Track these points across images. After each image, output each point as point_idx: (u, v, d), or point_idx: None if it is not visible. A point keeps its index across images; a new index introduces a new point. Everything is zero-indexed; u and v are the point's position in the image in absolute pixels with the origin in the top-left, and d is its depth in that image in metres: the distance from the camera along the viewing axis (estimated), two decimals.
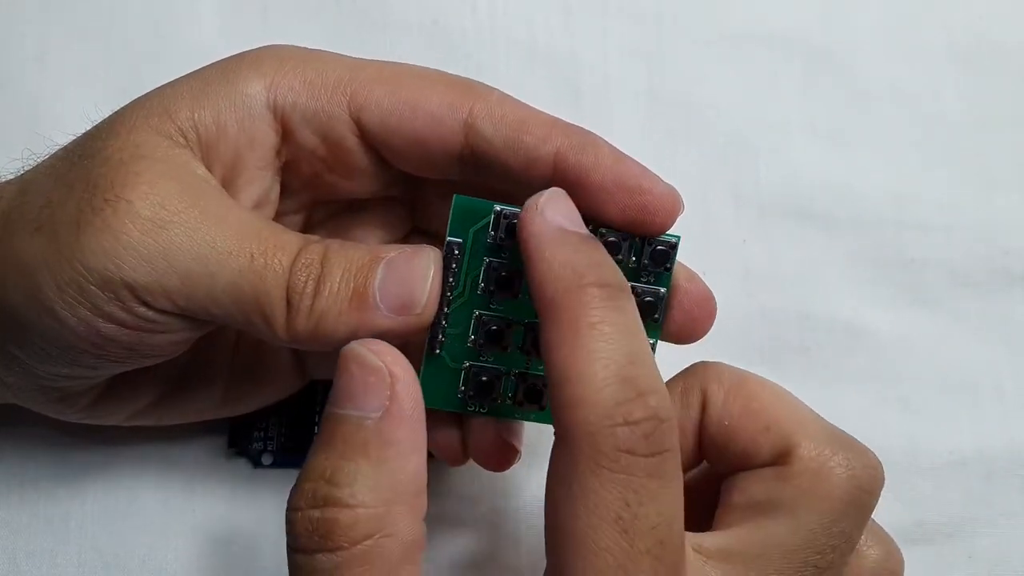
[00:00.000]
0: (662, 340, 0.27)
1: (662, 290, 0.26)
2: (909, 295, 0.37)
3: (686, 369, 0.26)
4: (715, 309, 0.27)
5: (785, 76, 0.39)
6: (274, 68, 0.26)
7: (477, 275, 0.25)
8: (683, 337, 0.27)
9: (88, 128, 0.26)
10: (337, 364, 0.22)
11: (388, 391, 0.22)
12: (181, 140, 0.25)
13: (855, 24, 0.39)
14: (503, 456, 0.28)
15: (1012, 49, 0.40)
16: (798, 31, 0.39)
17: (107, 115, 0.26)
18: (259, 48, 0.27)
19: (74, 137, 0.26)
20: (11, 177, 0.26)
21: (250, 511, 0.33)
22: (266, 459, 0.33)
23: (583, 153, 0.25)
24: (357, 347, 0.22)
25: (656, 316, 0.26)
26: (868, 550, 0.25)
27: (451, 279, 0.25)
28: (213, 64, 0.26)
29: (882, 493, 0.35)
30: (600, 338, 0.21)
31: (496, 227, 0.25)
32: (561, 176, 0.25)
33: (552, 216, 0.23)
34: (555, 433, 0.21)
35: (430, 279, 0.24)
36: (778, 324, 0.36)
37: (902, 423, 0.36)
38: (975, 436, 0.36)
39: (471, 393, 0.26)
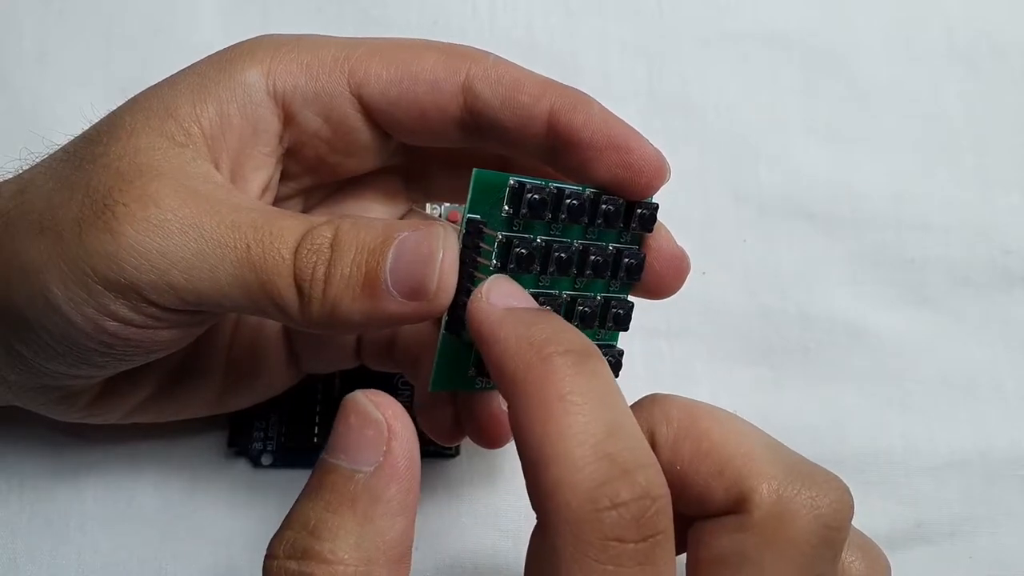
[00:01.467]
0: (633, 295, 0.27)
1: (641, 252, 0.26)
2: (909, 295, 0.37)
3: (632, 406, 0.24)
4: (685, 267, 0.27)
5: (785, 76, 0.39)
6: (270, 55, 0.26)
7: (490, 251, 0.24)
8: (653, 293, 0.27)
9: (87, 128, 0.26)
10: (338, 411, 0.21)
11: (384, 446, 0.21)
12: (182, 138, 0.25)
13: (855, 24, 0.40)
14: (503, 430, 0.28)
15: (1012, 49, 0.40)
16: (798, 31, 0.39)
17: (104, 115, 0.26)
18: (251, 38, 0.27)
19: (72, 137, 0.26)
20: (9, 176, 0.26)
21: (250, 511, 0.33)
22: (266, 459, 0.33)
23: (574, 112, 0.25)
24: (359, 396, 0.21)
25: (638, 276, 0.26)
26: (849, 565, 0.24)
27: (475, 258, 0.24)
28: (207, 58, 0.26)
29: (882, 493, 0.35)
30: (572, 411, 0.20)
31: (512, 201, 0.24)
32: (554, 134, 0.25)
33: (497, 299, 0.22)
34: (537, 518, 0.20)
35: (439, 263, 0.23)
36: (778, 324, 0.36)
37: (902, 423, 0.36)
38: (975, 436, 0.36)
39: (482, 371, 0.25)
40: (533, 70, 0.36)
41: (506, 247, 0.24)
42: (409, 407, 0.33)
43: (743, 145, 0.38)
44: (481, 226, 0.24)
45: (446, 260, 0.23)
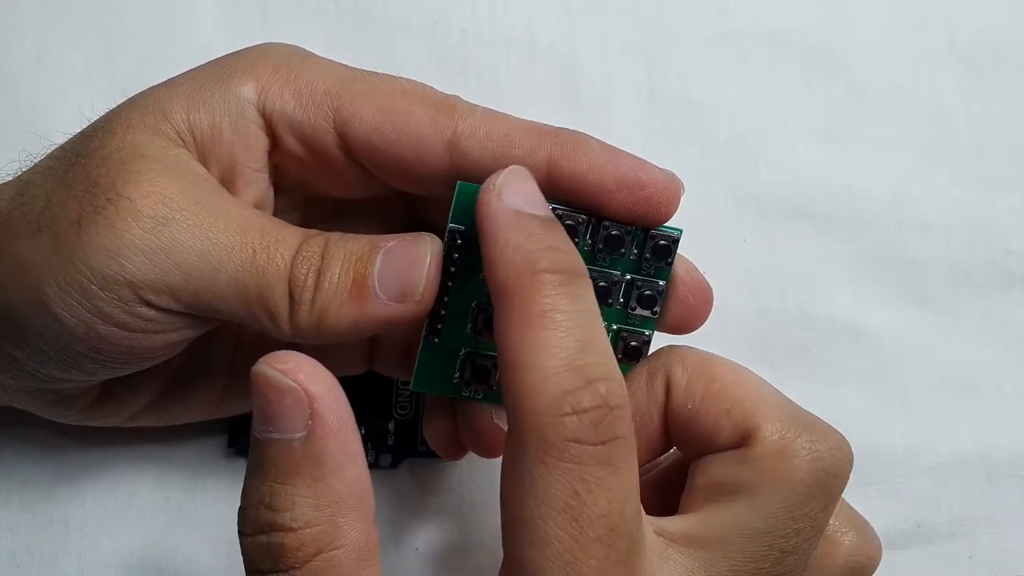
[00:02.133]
0: (660, 331, 0.27)
1: (661, 283, 0.26)
2: (909, 295, 0.37)
3: (652, 353, 0.26)
4: (711, 299, 0.27)
5: (785, 76, 0.39)
6: (267, 72, 0.26)
7: (477, 261, 0.25)
8: (680, 327, 0.27)
9: (84, 127, 0.26)
10: (251, 387, 0.21)
11: (307, 410, 0.21)
12: (178, 141, 0.25)
13: (855, 24, 0.39)
14: (497, 441, 0.28)
15: (1012, 49, 0.40)
16: (798, 31, 0.39)
17: (100, 114, 0.26)
18: (255, 47, 0.27)
19: (70, 136, 0.26)
20: (9, 179, 0.26)
21: None
22: None
23: (575, 159, 0.25)
24: (264, 369, 0.21)
25: (656, 309, 0.26)
26: (842, 536, 0.25)
27: (453, 267, 0.25)
28: (208, 64, 0.26)
29: (882, 493, 0.35)
30: (550, 326, 0.21)
31: None
32: (556, 183, 0.25)
33: (510, 197, 0.22)
34: (508, 423, 0.21)
35: (427, 266, 0.24)
36: (778, 324, 0.36)
37: (902, 423, 0.36)
38: (975, 436, 0.36)
39: (467, 379, 0.26)
40: (534, 73, 0.36)
41: None
42: (411, 415, 0.33)
43: (743, 145, 0.38)
44: (457, 235, 0.24)
45: (433, 263, 0.24)
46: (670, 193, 0.25)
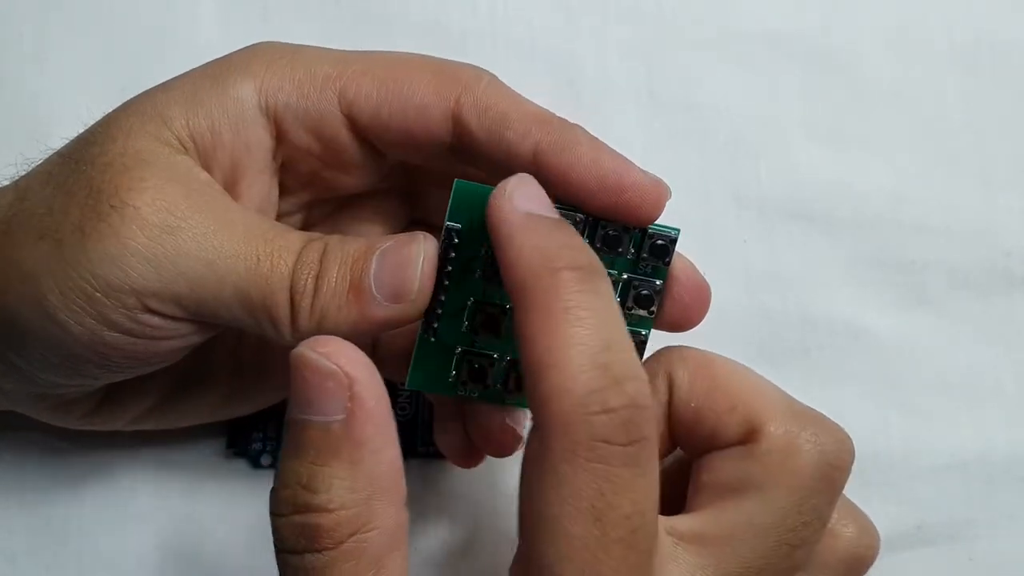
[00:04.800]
0: (656, 328, 0.27)
1: (658, 283, 0.26)
2: (910, 296, 0.37)
3: (652, 354, 0.26)
4: (709, 298, 0.27)
5: (785, 76, 0.39)
6: (263, 69, 0.26)
7: (474, 260, 0.25)
8: (677, 326, 0.27)
9: (81, 131, 0.26)
10: (291, 370, 0.21)
11: (348, 393, 0.21)
12: (179, 147, 0.25)
13: (856, 24, 0.39)
14: (509, 442, 0.28)
15: (1012, 49, 0.39)
16: (798, 31, 0.39)
17: (99, 117, 0.26)
18: (247, 48, 0.27)
19: (68, 141, 0.26)
20: (6, 183, 0.26)
21: (249, 512, 0.33)
22: (265, 460, 0.33)
23: (561, 154, 0.25)
24: (306, 352, 0.21)
25: (652, 309, 0.26)
26: (842, 528, 0.25)
27: (449, 266, 0.25)
28: (202, 67, 0.26)
29: (882, 495, 0.35)
30: (575, 323, 0.21)
31: None
32: (543, 173, 0.25)
33: (520, 201, 0.23)
34: (532, 419, 0.21)
35: (420, 265, 0.24)
36: (779, 325, 0.36)
37: (903, 425, 0.36)
38: (976, 438, 0.36)
39: (463, 378, 0.26)
40: (534, 73, 0.36)
41: (486, 256, 0.25)
42: (411, 415, 0.33)
43: (743, 145, 0.38)
44: (454, 233, 0.24)
45: (427, 262, 0.24)
46: (652, 199, 0.25)
